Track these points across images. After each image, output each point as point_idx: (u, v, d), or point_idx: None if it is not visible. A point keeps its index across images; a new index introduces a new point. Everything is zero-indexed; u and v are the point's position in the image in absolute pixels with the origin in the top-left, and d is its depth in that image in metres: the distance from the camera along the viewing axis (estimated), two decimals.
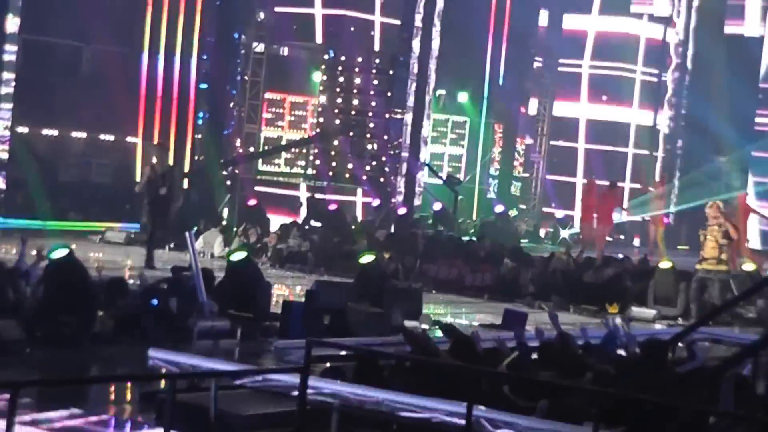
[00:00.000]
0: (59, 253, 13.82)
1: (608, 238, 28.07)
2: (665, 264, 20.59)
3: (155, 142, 26.62)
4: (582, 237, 28.48)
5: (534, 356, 11.10)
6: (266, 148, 32.74)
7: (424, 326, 15.39)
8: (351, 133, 30.55)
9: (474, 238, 26.37)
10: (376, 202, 29.79)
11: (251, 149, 32.02)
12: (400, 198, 30.46)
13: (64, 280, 13.51)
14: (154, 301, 14.14)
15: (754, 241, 31.20)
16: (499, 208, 32.08)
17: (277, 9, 32.07)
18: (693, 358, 11.30)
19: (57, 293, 13.39)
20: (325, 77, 31.09)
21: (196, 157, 29.68)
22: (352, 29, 31.53)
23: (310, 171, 31.54)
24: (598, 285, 20.27)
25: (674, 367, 10.81)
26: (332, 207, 27.52)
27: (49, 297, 13.41)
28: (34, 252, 14.39)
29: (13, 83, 25.88)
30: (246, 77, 31.56)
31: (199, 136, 29.83)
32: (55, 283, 13.48)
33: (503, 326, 15.69)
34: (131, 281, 15.75)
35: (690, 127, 37.17)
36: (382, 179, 30.53)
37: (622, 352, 12.19)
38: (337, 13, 31.65)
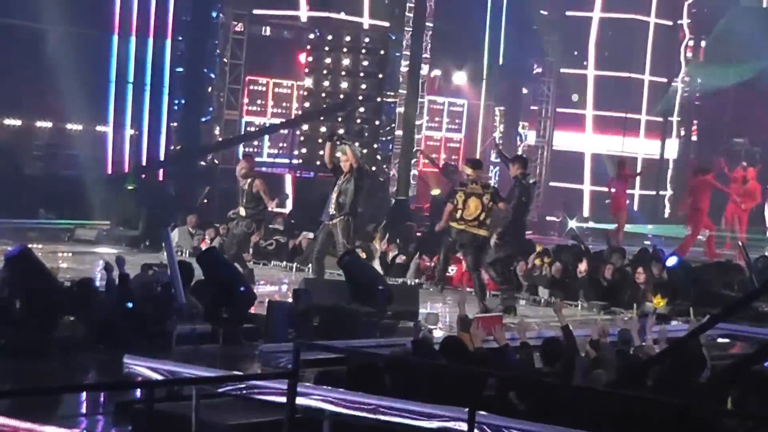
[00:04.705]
0: (12, 252, 13.83)
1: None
2: None
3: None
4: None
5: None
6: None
7: (430, 327, 15.34)
8: (339, 118, 30.42)
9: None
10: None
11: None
12: (393, 188, 30.37)
13: (21, 282, 13.47)
14: (129, 304, 14.09)
15: None
16: None
17: None
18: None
19: (13, 296, 13.35)
20: (310, 58, 30.96)
21: (172, 147, 29.60)
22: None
23: (295, 160, 31.46)
24: (609, 280, 20.29)
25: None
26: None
27: (6, 300, 13.37)
28: None
29: None
30: (225, 60, 31.42)
31: (175, 124, 29.75)
32: (12, 285, 13.45)
33: None
34: (102, 282, 15.68)
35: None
36: (373, 167, 30.45)
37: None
38: None
